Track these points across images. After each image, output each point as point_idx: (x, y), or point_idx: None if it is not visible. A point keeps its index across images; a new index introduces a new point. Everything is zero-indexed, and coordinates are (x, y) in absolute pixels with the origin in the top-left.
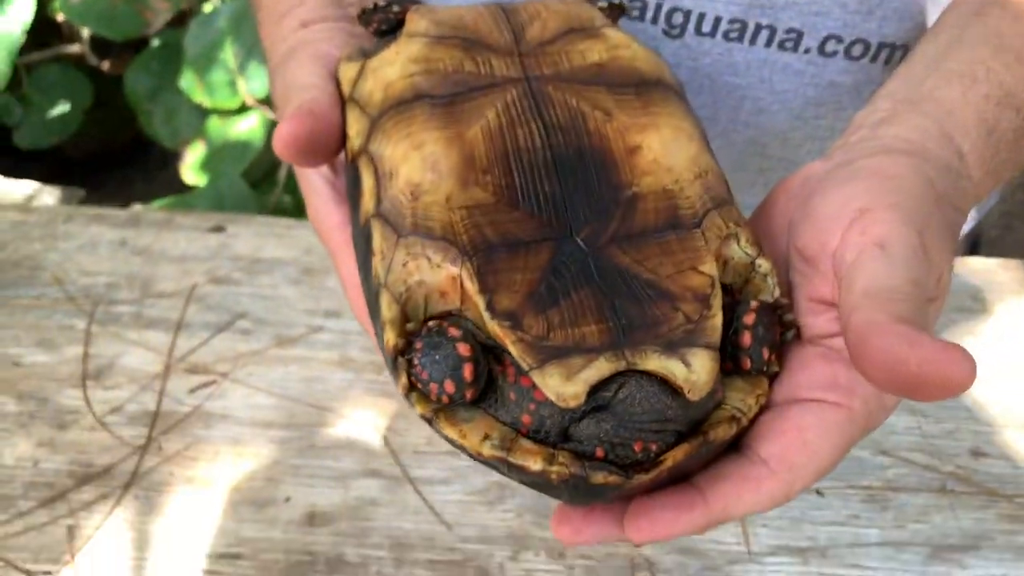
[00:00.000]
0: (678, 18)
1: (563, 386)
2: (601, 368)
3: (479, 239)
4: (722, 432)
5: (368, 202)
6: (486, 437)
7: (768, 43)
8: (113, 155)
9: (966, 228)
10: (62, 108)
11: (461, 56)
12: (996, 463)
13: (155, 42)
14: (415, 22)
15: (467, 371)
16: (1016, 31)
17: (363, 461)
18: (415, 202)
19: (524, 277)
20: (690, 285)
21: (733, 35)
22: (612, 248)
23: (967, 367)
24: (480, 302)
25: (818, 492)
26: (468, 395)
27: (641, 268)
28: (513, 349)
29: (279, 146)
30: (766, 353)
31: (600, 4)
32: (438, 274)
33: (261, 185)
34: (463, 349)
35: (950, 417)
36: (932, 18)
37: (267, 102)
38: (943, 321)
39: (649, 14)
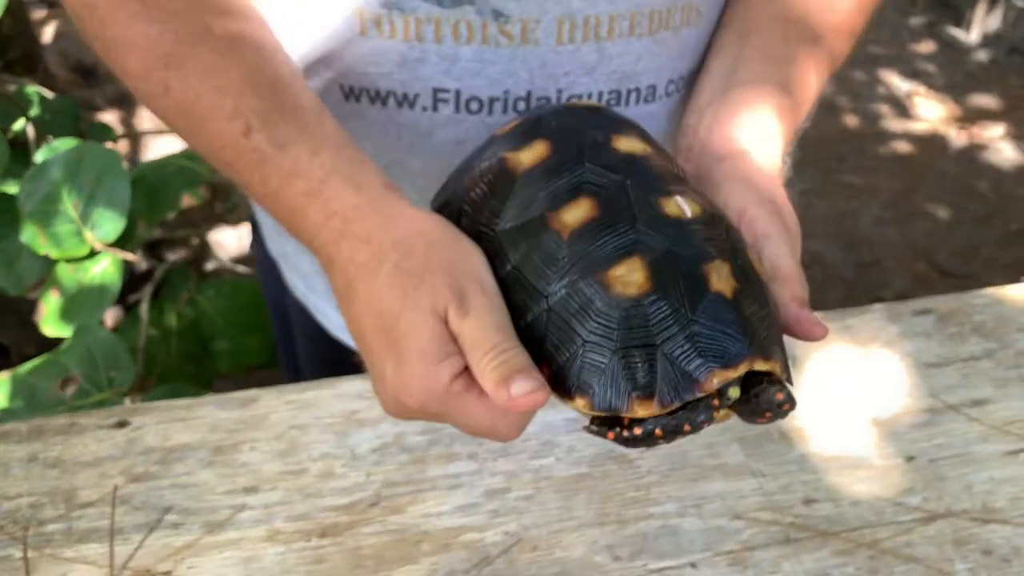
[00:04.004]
0: (558, 101)
1: None
2: None
3: None
4: None
5: None
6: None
7: (637, 101)
8: None
9: None
10: None
11: None
12: (824, 506)
13: None
14: None
15: None
16: (779, 63)
17: None
18: None
19: None
20: None
21: (613, 103)
22: None
23: (822, 332)
24: None
25: (692, 565)
26: None
27: None
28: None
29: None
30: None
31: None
32: None
33: (122, 325)
34: None
35: (784, 472)
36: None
37: (118, 244)
38: None
39: (534, 102)
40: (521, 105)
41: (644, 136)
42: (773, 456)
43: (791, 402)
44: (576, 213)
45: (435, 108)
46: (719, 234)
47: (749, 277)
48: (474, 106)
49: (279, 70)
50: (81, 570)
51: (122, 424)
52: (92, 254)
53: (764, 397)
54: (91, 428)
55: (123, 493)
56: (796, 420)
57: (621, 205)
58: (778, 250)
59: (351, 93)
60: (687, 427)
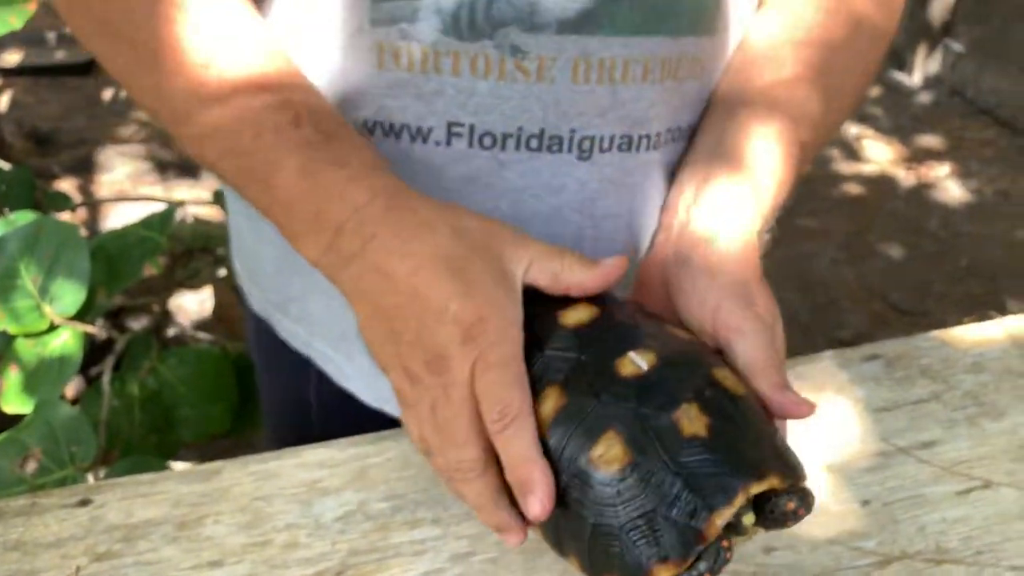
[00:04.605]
0: (586, 144)
1: None
2: None
3: None
4: None
5: None
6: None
7: (648, 148)
8: None
9: None
10: None
11: None
12: (784, 554)
13: None
14: None
15: None
16: (753, 133)
17: None
18: None
19: None
20: None
21: (623, 148)
22: None
23: (809, 409)
24: None
25: None
26: None
27: None
28: None
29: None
30: None
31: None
32: None
33: (84, 397)
34: None
35: None
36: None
37: (78, 316)
38: None
39: (561, 144)
40: (534, 143)
41: (588, 298)
42: None
43: (805, 507)
44: (547, 405)
45: (448, 142)
46: (679, 372)
47: (721, 402)
48: (487, 141)
49: (306, 78)
50: None
51: (84, 503)
52: (52, 328)
53: (778, 510)
54: (53, 508)
55: (86, 574)
56: None
57: (583, 384)
58: (752, 343)
59: (365, 126)
60: (708, 575)
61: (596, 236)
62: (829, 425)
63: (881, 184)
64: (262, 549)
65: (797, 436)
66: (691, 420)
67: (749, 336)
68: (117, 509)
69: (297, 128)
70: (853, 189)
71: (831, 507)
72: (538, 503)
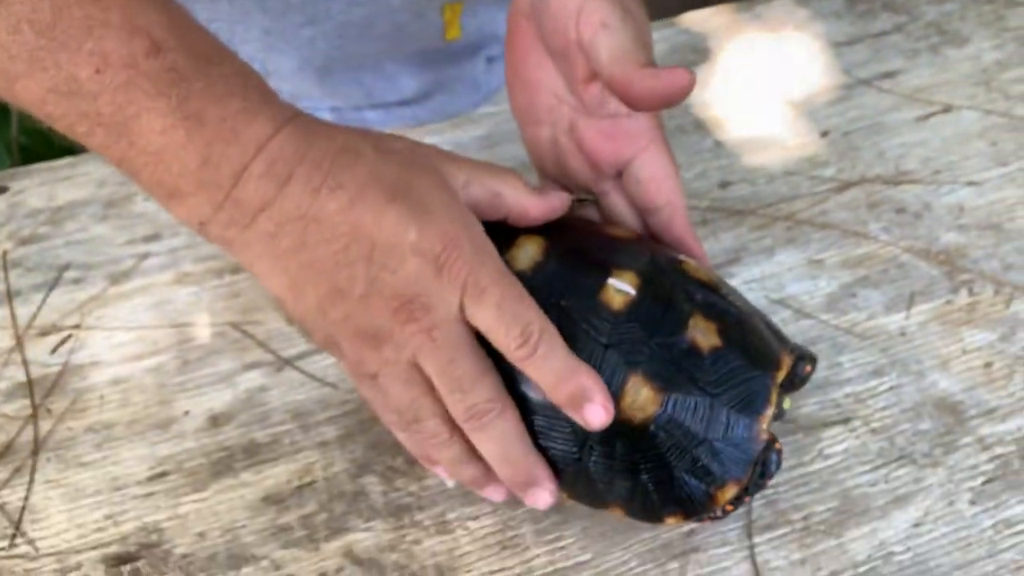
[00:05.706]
0: None
1: None
2: None
3: None
4: None
5: None
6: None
7: None
8: None
9: None
10: None
11: None
12: (740, 187)
13: None
14: None
15: None
16: None
17: (238, 359)
18: None
19: None
20: None
21: None
22: None
23: (689, 76)
24: None
25: None
26: None
27: None
28: None
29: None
30: None
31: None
32: None
33: None
34: None
35: (699, 161)
36: None
37: None
38: None
39: None
40: None
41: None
42: (687, 147)
43: (813, 364)
44: None
45: None
46: (664, 284)
47: (713, 300)
48: None
49: None
50: None
51: (1, 190)
52: None
53: (799, 379)
54: None
55: (14, 257)
56: (710, 110)
57: (579, 332)
58: (621, 35)
59: None
60: (767, 480)
61: None
62: (789, 62)
63: None
64: None
65: (756, 74)
66: (703, 333)
67: (617, 29)
68: (38, 195)
69: (157, 57)
70: None
71: (790, 140)
72: (600, 409)
